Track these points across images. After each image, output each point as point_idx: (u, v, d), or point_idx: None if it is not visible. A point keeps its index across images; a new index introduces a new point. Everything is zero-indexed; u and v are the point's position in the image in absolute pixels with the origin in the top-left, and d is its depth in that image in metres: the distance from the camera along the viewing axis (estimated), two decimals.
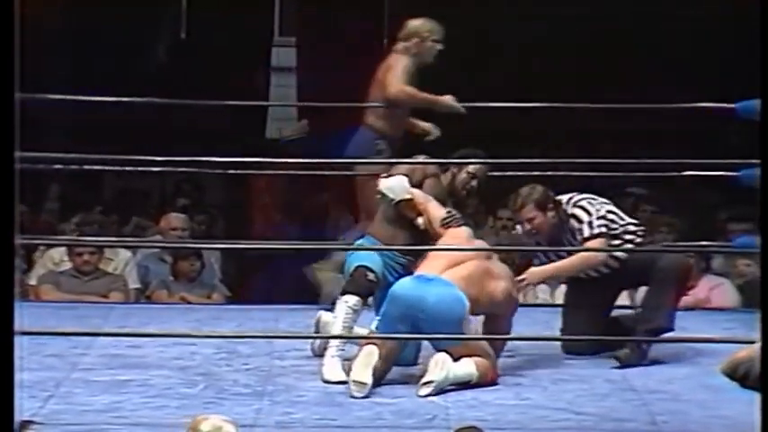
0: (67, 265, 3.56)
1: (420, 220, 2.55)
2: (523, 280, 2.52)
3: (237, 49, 5.04)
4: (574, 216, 2.60)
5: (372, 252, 2.54)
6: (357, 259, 2.56)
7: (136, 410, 2.23)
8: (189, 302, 3.52)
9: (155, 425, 2.15)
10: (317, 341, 2.59)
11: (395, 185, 2.55)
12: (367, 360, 2.29)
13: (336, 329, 2.49)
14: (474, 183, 2.61)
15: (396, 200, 2.55)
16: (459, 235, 2.51)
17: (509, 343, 2.52)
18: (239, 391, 2.36)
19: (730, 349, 2.61)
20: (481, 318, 2.47)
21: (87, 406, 2.26)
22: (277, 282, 3.82)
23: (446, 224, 2.52)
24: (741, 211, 3.71)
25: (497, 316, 2.45)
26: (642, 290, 2.77)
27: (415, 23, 2.93)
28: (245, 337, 2.76)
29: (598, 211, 2.60)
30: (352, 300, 2.51)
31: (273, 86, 5.05)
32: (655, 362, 2.58)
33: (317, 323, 2.64)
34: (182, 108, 3.56)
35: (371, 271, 2.53)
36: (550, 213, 2.59)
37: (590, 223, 2.58)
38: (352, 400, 2.28)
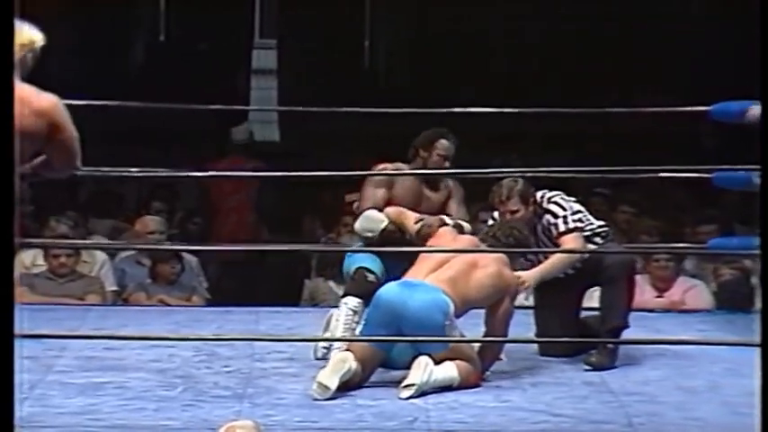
0: (41, 268, 3.52)
1: (408, 234, 2.54)
2: (524, 282, 2.53)
3: (217, 52, 5.02)
4: (549, 211, 2.62)
5: (372, 255, 2.54)
6: (357, 261, 2.56)
7: (112, 413, 2.20)
8: (168, 305, 3.49)
9: (132, 427, 2.13)
10: (319, 346, 2.57)
11: (367, 225, 2.54)
12: (338, 366, 2.30)
13: (339, 332, 2.49)
14: (447, 165, 2.57)
15: (377, 233, 2.54)
16: (444, 235, 2.52)
17: (508, 345, 2.52)
18: (219, 394, 2.35)
19: (705, 351, 2.67)
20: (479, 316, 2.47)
21: (62, 408, 2.23)
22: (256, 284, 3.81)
23: (420, 233, 2.51)
24: (712, 212, 3.77)
25: (495, 305, 2.43)
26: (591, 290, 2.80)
27: None
28: (224, 340, 2.75)
29: (571, 207, 2.64)
30: (352, 301, 2.52)
31: (254, 89, 5.03)
32: (631, 364, 2.61)
33: (328, 322, 2.58)
34: (160, 110, 3.54)
35: (371, 272, 2.53)
36: (530, 208, 2.61)
37: (565, 218, 2.61)
38: (334, 402, 2.28)
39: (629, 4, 4.76)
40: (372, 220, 2.53)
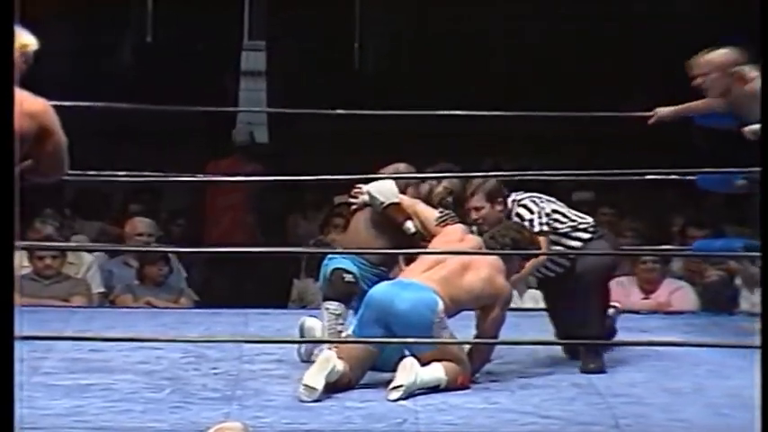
0: (26, 270, 3.50)
1: (409, 224, 2.56)
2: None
3: (206, 53, 5.00)
4: (518, 215, 2.62)
5: (347, 258, 2.55)
6: (333, 263, 2.58)
7: (99, 415, 2.19)
8: (155, 307, 3.48)
9: (118, 429, 2.12)
10: (303, 347, 2.58)
11: (384, 189, 2.56)
12: (322, 365, 2.30)
13: (324, 336, 2.50)
14: (449, 198, 2.63)
15: (385, 203, 2.55)
16: (454, 232, 2.53)
17: (498, 349, 2.53)
18: (207, 396, 2.35)
19: (689, 353, 2.69)
20: (472, 317, 2.48)
21: (48, 410, 2.21)
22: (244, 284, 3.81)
23: (442, 222, 2.54)
24: (698, 214, 3.81)
25: (487, 310, 2.44)
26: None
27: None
28: (212, 341, 2.75)
29: (542, 209, 2.61)
30: (332, 305, 2.54)
31: (243, 90, 5.03)
32: (617, 365, 2.63)
33: (301, 329, 2.64)
34: (147, 112, 3.53)
35: (348, 272, 2.54)
36: (498, 207, 2.60)
37: (531, 221, 2.60)
38: (322, 404, 2.28)
39: (629, 4, 4.78)
40: (389, 188, 2.54)
